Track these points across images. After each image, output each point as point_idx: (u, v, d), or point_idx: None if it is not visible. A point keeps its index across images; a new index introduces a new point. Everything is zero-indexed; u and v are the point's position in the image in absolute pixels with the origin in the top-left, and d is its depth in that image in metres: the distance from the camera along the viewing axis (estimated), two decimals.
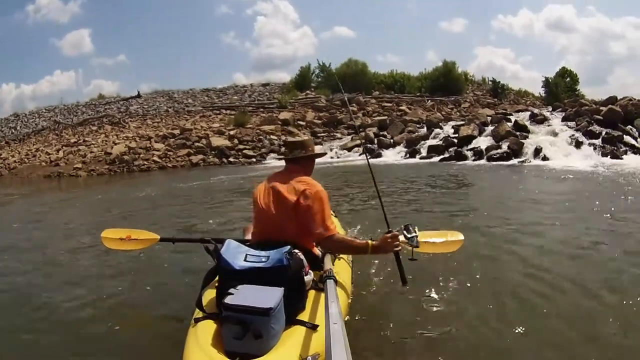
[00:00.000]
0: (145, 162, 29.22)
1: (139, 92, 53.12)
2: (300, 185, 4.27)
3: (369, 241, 4.21)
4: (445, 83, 50.64)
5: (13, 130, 47.31)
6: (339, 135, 34.61)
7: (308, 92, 49.16)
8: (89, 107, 51.09)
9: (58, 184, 25.44)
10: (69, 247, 8.69)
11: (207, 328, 3.26)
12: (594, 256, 6.50)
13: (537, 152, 22.12)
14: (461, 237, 5.12)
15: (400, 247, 4.33)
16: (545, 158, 21.61)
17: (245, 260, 3.61)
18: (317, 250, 4.50)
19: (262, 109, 42.80)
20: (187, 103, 48.44)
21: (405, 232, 4.41)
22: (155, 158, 29.66)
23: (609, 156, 20.95)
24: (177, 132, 34.47)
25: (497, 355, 4.12)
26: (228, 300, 3.15)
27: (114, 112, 46.98)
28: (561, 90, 50.40)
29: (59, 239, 9.55)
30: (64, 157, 32.03)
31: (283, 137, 32.13)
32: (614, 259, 6.28)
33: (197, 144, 31.55)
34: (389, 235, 4.23)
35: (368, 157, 5.71)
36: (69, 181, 26.39)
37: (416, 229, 4.46)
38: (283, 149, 4.84)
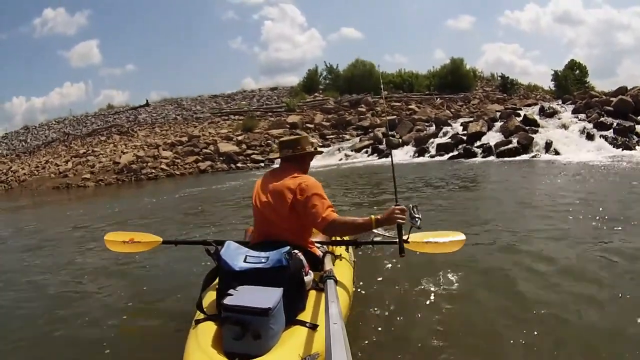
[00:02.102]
0: (153, 171, 29.40)
1: (147, 100, 53.67)
2: (295, 181, 4.25)
3: (372, 216, 4.11)
4: (454, 80, 50.71)
5: (23, 143, 47.84)
6: (347, 136, 34.46)
7: (316, 94, 49.39)
8: (98, 117, 51.89)
9: (67, 195, 25.61)
10: (71, 251, 8.80)
11: (207, 329, 3.25)
12: (606, 262, 6.02)
13: (548, 146, 21.82)
14: (462, 237, 5.04)
15: (404, 221, 4.24)
16: (556, 152, 21.28)
17: (245, 261, 3.60)
18: (318, 251, 4.51)
19: (270, 113, 42.96)
20: (196, 110, 48.86)
21: (412, 210, 4.31)
22: (163, 166, 29.83)
23: (621, 148, 20.54)
24: (185, 139, 34.68)
25: (497, 355, 4.09)
26: (227, 301, 3.13)
27: (122, 121, 47.55)
28: (570, 83, 50.02)
29: (62, 245, 9.65)
30: (72, 168, 32.40)
31: None
32: (627, 268, 5.78)
33: (205, 150, 31.68)
34: (398, 207, 4.14)
35: (391, 150, 5.73)
36: (77, 192, 26.59)
37: (420, 213, 4.35)
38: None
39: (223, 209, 13.45)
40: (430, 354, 4.08)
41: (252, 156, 30.93)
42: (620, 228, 7.40)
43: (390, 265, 6.27)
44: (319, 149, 5.80)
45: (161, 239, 5.64)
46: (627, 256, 6.05)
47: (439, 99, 45.75)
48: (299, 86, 53.85)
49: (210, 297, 3.69)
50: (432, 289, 5.44)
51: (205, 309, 3.48)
